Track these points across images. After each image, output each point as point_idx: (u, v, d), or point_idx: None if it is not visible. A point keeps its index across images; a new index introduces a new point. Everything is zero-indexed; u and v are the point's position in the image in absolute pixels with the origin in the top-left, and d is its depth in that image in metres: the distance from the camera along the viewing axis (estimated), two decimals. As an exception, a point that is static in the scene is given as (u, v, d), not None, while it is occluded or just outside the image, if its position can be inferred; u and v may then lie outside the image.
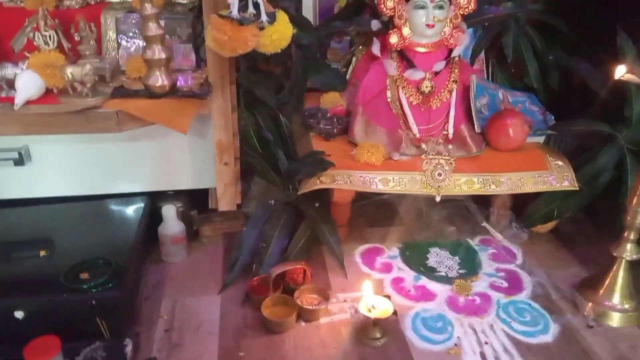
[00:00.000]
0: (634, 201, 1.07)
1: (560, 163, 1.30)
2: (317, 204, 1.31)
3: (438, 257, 1.33)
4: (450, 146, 1.32)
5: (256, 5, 1.07)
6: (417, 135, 1.33)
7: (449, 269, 1.28)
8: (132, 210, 1.32)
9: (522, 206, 1.39)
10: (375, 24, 1.36)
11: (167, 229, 1.27)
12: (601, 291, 1.14)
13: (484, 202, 1.47)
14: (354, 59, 1.51)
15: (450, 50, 1.34)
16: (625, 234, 1.10)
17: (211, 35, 1.03)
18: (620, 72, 0.98)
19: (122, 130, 1.10)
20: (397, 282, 1.24)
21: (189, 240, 1.33)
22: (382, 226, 1.45)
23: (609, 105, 1.31)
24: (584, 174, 1.28)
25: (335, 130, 1.37)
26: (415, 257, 1.32)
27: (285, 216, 1.30)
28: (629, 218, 1.08)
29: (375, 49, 1.36)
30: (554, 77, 1.50)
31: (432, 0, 1.26)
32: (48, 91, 1.13)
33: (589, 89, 1.37)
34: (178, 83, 1.19)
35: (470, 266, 1.29)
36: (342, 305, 1.15)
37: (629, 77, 0.97)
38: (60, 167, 1.27)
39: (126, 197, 1.33)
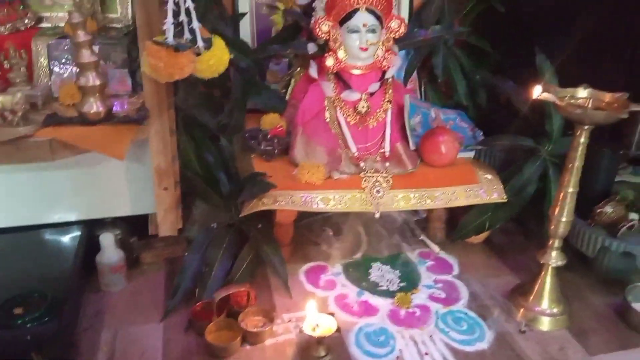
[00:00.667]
0: (556, 211, 1.14)
1: (489, 177, 1.37)
2: (260, 225, 1.32)
3: (380, 272, 1.36)
4: (387, 164, 1.36)
5: (192, 31, 1.08)
6: (356, 154, 1.37)
7: (390, 282, 1.32)
8: (68, 240, 1.29)
9: (457, 218, 1.46)
10: (311, 47, 1.40)
11: (106, 258, 1.24)
12: (531, 297, 1.21)
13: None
14: (292, 80, 1.54)
15: (384, 72, 1.39)
16: (550, 242, 1.18)
17: (147, 61, 1.03)
18: (537, 92, 1.06)
19: (56, 159, 1.08)
20: (341, 298, 1.26)
21: (129, 267, 1.30)
22: (325, 244, 1.47)
23: (532, 120, 1.40)
24: (511, 187, 1.36)
25: (275, 151, 1.39)
26: (357, 273, 1.35)
27: (228, 239, 1.30)
28: (552, 227, 1.16)
29: (313, 71, 1.40)
30: (481, 95, 1.59)
31: (365, 25, 1.31)
32: (-25, 121, 1.09)
33: (514, 105, 1.46)
34: (114, 108, 1.18)
35: (410, 279, 1.34)
36: (287, 326, 1.16)
37: (546, 96, 1.04)
38: (-10, 198, 1.22)
39: (62, 226, 1.29)
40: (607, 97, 1.06)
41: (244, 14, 1.58)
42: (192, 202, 1.46)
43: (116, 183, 1.28)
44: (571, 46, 1.31)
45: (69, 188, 1.26)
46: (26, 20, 1.29)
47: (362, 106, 1.38)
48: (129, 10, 1.37)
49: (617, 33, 1.19)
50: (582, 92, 1.08)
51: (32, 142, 1.06)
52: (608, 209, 1.28)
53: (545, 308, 1.19)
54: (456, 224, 1.46)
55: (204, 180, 1.37)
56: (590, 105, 1.04)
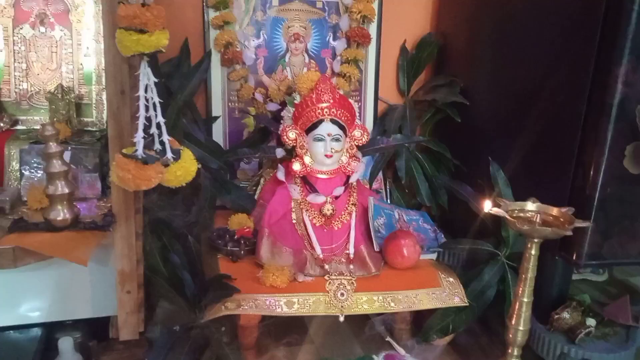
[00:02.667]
0: (513, 320, 1.16)
1: (451, 280, 1.40)
2: (223, 328, 1.31)
3: (344, 377, 1.35)
4: (351, 266, 1.39)
5: (162, 143, 1.13)
6: (321, 256, 1.39)
7: (354, 389, 1.30)
8: (26, 343, 1.26)
9: (422, 319, 1.47)
10: (279, 152, 1.47)
11: (63, 364, 1.21)
12: (493, 406, 1.20)
13: (387, 316, 1.53)
14: (262, 180, 1.59)
15: (349, 177, 1.45)
16: (509, 350, 1.19)
17: (115, 173, 1.06)
18: (487, 206, 1.11)
19: (19, 266, 1.08)
20: (303, 407, 1.24)
21: (87, 373, 1.27)
22: (290, 345, 1.45)
23: (490, 224, 1.45)
24: (472, 290, 1.39)
25: (242, 252, 1.41)
26: (322, 378, 1.34)
27: (190, 343, 1.28)
28: (510, 335, 1.18)
29: (280, 174, 1.45)
30: (443, 197, 1.66)
31: (329, 134, 1.38)
32: (-60, 227, 1.10)
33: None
34: (81, 212, 1.20)
35: (375, 385, 1.32)
36: None
37: (495, 211, 1.10)
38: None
39: (20, 329, 1.27)
40: (554, 211, 1.12)
41: (216, 117, 1.66)
42: (155, 301, 1.45)
43: (78, 285, 1.28)
44: (521, 157, 1.39)
45: (30, 290, 1.25)
46: (1, 124, 1.33)
47: (327, 209, 1.42)
48: (104, 115, 1.42)
49: (561, 146, 1.27)
50: (531, 206, 1.14)
51: (-5, 250, 1.06)
52: (565, 314, 1.31)
53: (508, 418, 1.18)
54: (421, 324, 1.46)
55: (169, 282, 1.37)
56: (538, 220, 1.10)
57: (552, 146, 1.31)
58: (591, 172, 1.18)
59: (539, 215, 1.12)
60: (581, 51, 1.19)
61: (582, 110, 1.18)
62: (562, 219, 1.10)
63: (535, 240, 1.09)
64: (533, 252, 1.10)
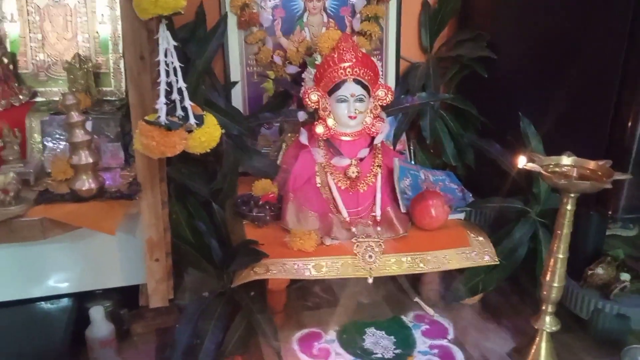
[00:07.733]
0: (548, 277, 1.14)
1: (481, 239, 1.38)
2: (252, 293, 1.31)
3: (374, 338, 1.34)
4: (378, 228, 1.37)
5: (184, 109, 1.10)
6: (347, 219, 1.37)
7: (385, 349, 1.30)
8: (58, 313, 1.26)
9: (451, 279, 1.45)
10: (301, 115, 1.44)
11: (95, 332, 1.22)
12: (527, 363, 1.19)
13: (415, 277, 1.52)
14: (284, 145, 1.56)
15: (373, 138, 1.42)
16: (543, 307, 1.17)
17: (139, 140, 1.04)
18: (522, 162, 1.08)
19: (47, 237, 1.08)
20: (335, 368, 1.24)
21: (119, 340, 1.28)
22: (319, 309, 1.46)
23: (520, 182, 1.42)
24: (503, 249, 1.36)
25: (267, 217, 1.40)
26: (352, 340, 1.33)
27: (220, 308, 1.28)
28: (544, 292, 1.16)
29: (303, 138, 1.43)
30: (469, 156, 1.62)
31: (353, 95, 1.35)
32: (-32, 200, 1.09)
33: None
34: (106, 183, 1.19)
35: (405, 345, 1.31)
36: (280, 400, 1.14)
37: (531, 166, 1.06)
38: (-22, 274, 1.21)
39: (51, 300, 1.28)
40: (592, 164, 1.09)
41: (235, 83, 1.62)
42: (183, 269, 1.45)
43: (107, 255, 1.28)
44: (553, 111, 1.34)
45: (59, 261, 1.25)
46: (21, 97, 1.31)
47: (352, 171, 1.40)
48: (123, 84, 1.40)
49: (597, 98, 1.22)
50: (567, 160, 1.11)
51: (23, 222, 1.06)
52: (599, 270, 1.28)
53: (542, 375, 1.17)
54: (450, 284, 1.45)
55: (196, 249, 1.37)
56: (575, 174, 1.06)
57: (587, 98, 1.25)
58: (629, 123, 1.13)
59: (575, 169, 1.08)
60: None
61: (620, 58, 1.12)
62: (599, 172, 1.07)
63: (572, 195, 1.05)
64: (569, 207, 1.07)
